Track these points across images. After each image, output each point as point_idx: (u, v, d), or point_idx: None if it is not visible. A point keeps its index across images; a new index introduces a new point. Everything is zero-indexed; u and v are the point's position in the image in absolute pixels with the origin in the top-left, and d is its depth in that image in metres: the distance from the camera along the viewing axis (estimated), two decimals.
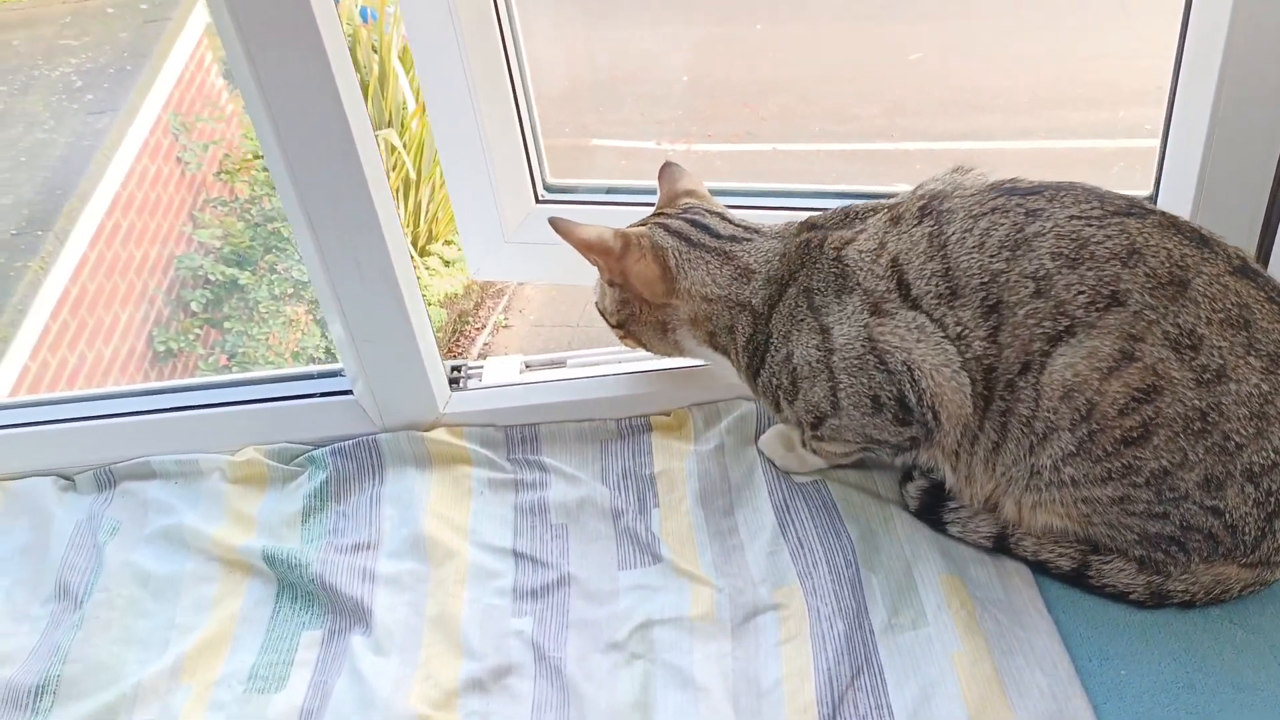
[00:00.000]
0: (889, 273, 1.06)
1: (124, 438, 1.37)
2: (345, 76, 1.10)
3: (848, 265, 1.09)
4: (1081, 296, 0.97)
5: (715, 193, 1.28)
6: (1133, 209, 1.00)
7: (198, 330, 4.48)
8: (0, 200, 3.97)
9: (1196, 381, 0.95)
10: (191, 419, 1.37)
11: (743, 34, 6.08)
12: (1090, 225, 0.99)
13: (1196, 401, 0.95)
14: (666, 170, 1.30)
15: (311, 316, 4.77)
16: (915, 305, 1.04)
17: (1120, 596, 1.07)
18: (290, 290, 4.65)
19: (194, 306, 4.47)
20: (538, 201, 1.50)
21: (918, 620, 1.09)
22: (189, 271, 4.51)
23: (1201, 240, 0.99)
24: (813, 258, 1.12)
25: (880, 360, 1.06)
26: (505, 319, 5.90)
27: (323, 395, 1.38)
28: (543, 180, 1.50)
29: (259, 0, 1.03)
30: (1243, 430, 0.95)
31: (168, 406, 1.38)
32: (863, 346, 1.07)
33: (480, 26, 1.36)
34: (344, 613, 1.19)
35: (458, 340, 5.66)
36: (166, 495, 1.33)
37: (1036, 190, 1.04)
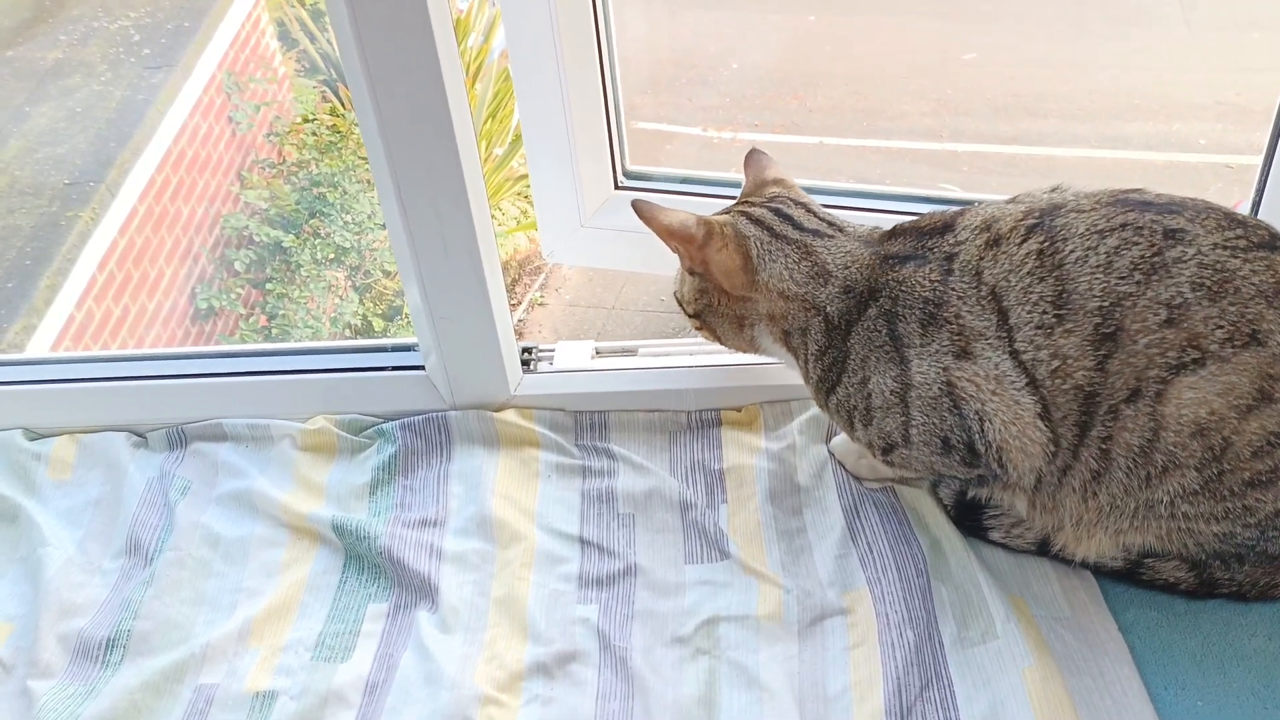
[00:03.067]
0: (989, 304, 1.00)
1: (197, 398, 1.38)
2: (449, 52, 1.09)
3: (946, 298, 1.03)
4: (1220, 332, 0.92)
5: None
6: (1276, 242, 0.96)
7: (239, 290, 4.51)
8: (55, 149, 4.01)
9: None
10: (264, 384, 1.38)
11: (794, 24, 6.04)
12: (1236, 256, 0.94)
13: None
14: (753, 157, 1.26)
15: (351, 283, 4.80)
16: (1010, 338, 0.99)
17: (1170, 588, 1.08)
18: (332, 256, 4.68)
19: (237, 266, 4.50)
20: (617, 187, 1.49)
21: (987, 633, 1.08)
22: (234, 231, 4.53)
23: None
24: (901, 282, 1.06)
25: (955, 404, 1.03)
26: (541, 296, 5.91)
27: (395, 369, 1.38)
28: (623, 166, 1.50)
29: None
30: None
31: (242, 370, 1.39)
32: (940, 389, 1.03)
33: (574, 8, 1.35)
34: (410, 587, 1.20)
35: None
36: (237, 458, 1.34)
37: (1173, 208, 0.98)
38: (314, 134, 4.80)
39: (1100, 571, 1.12)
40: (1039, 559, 1.14)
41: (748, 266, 1.14)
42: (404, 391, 1.37)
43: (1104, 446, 0.98)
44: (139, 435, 1.39)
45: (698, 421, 1.35)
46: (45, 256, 3.77)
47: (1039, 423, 0.99)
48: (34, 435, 1.40)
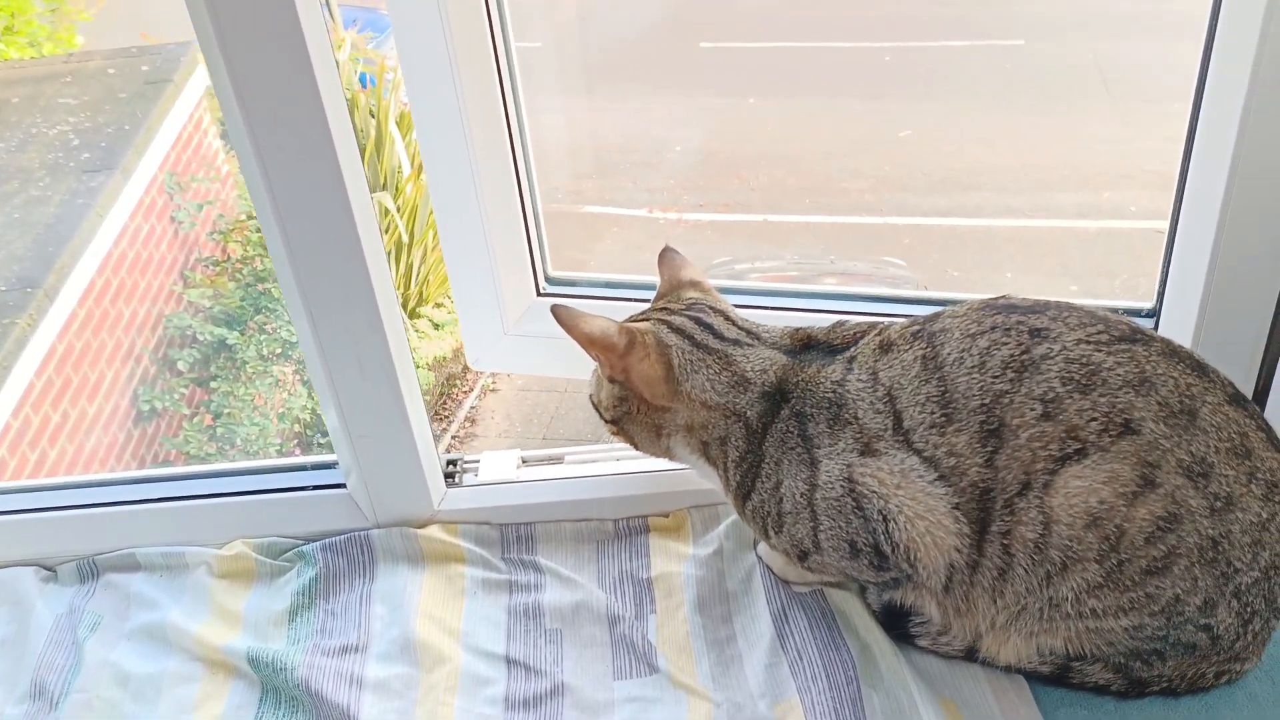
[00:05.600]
0: (885, 406, 1.03)
1: (108, 528, 1.34)
2: (355, 179, 1.09)
3: (846, 397, 1.05)
4: (1094, 424, 0.95)
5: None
6: (1136, 336, 0.99)
7: (183, 390, 4.45)
8: None
9: (1210, 510, 0.94)
10: (179, 510, 1.34)
11: (735, 107, 6.19)
12: (1100, 350, 0.97)
13: (1210, 530, 0.94)
14: (666, 256, 1.25)
15: (299, 377, 4.75)
16: (907, 439, 1.01)
17: (1101, 690, 1.07)
18: (279, 350, 4.64)
19: (181, 366, 4.44)
20: (539, 294, 1.50)
21: None
22: (177, 330, 4.49)
23: (1200, 368, 0.99)
24: (809, 382, 1.08)
25: (857, 505, 1.03)
26: (493, 383, 5.89)
27: (315, 488, 1.36)
28: (544, 273, 1.50)
29: (269, 99, 1.03)
30: (1243, 556, 0.95)
31: (155, 496, 1.35)
32: (842, 488, 1.03)
33: (487, 121, 1.37)
34: None
35: (444, 403, 5.65)
36: (150, 589, 1.30)
37: (1036, 309, 1.02)
38: (258, 230, 4.79)
39: (1030, 676, 1.10)
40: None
41: (670, 377, 1.13)
42: (325, 511, 1.34)
43: (1005, 543, 0.99)
44: (48, 569, 1.34)
45: (626, 529, 1.34)
46: None
47: (955, 513, 0.99)
48: None
